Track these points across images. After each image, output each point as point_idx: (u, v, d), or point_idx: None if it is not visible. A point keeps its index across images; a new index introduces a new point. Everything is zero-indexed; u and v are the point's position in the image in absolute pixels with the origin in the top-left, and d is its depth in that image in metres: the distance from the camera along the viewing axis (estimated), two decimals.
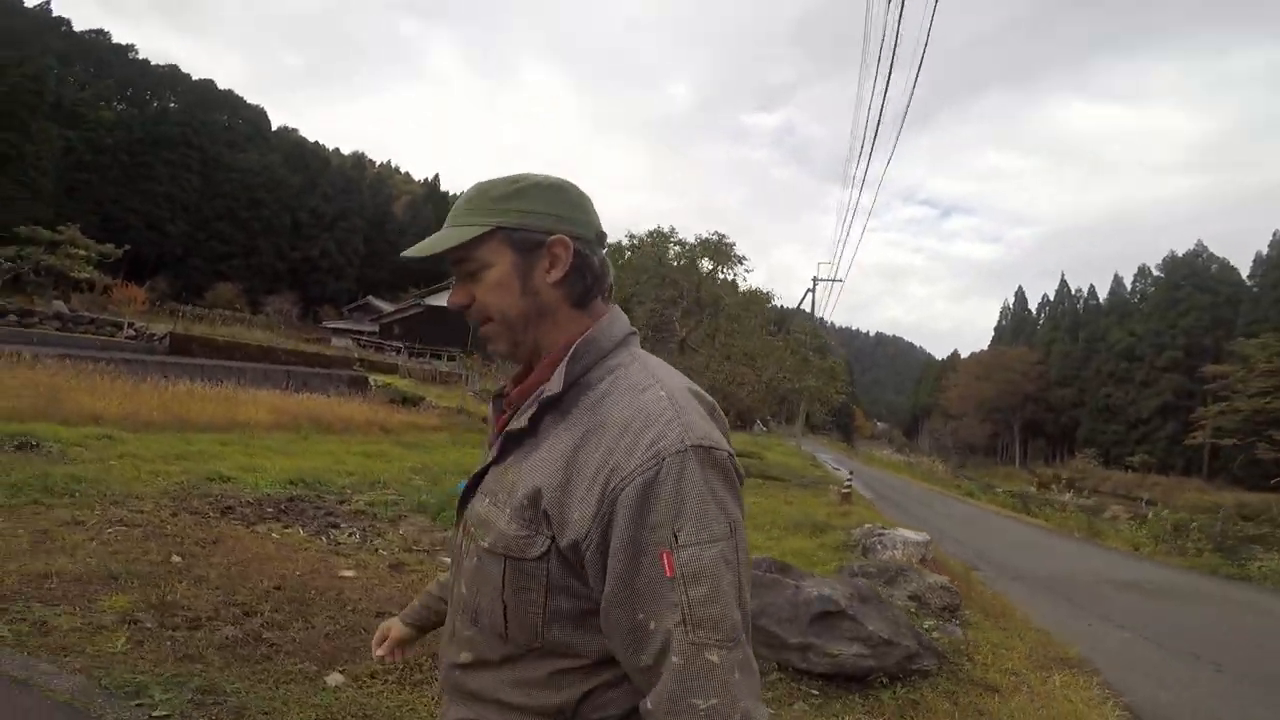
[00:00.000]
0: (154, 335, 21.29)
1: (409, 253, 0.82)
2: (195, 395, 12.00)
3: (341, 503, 6.53)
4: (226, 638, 3.00)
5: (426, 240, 0.81)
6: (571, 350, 0.77)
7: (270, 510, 5.67)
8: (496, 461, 0.81)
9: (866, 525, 8.92)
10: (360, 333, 40.73)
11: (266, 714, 2.46)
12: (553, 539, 0.70)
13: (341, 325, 43.93)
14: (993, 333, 69.35)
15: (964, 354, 78.02)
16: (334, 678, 2.75)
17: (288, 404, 13.62)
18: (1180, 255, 52.31)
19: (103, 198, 45.08)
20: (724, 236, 19.25)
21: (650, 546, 0.65)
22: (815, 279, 30.76)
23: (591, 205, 0.84)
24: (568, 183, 0.83)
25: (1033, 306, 68.03)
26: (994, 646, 4.80)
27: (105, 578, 3.47)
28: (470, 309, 0.82)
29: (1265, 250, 47.89)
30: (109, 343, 19.75)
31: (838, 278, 30.72)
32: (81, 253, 22.90)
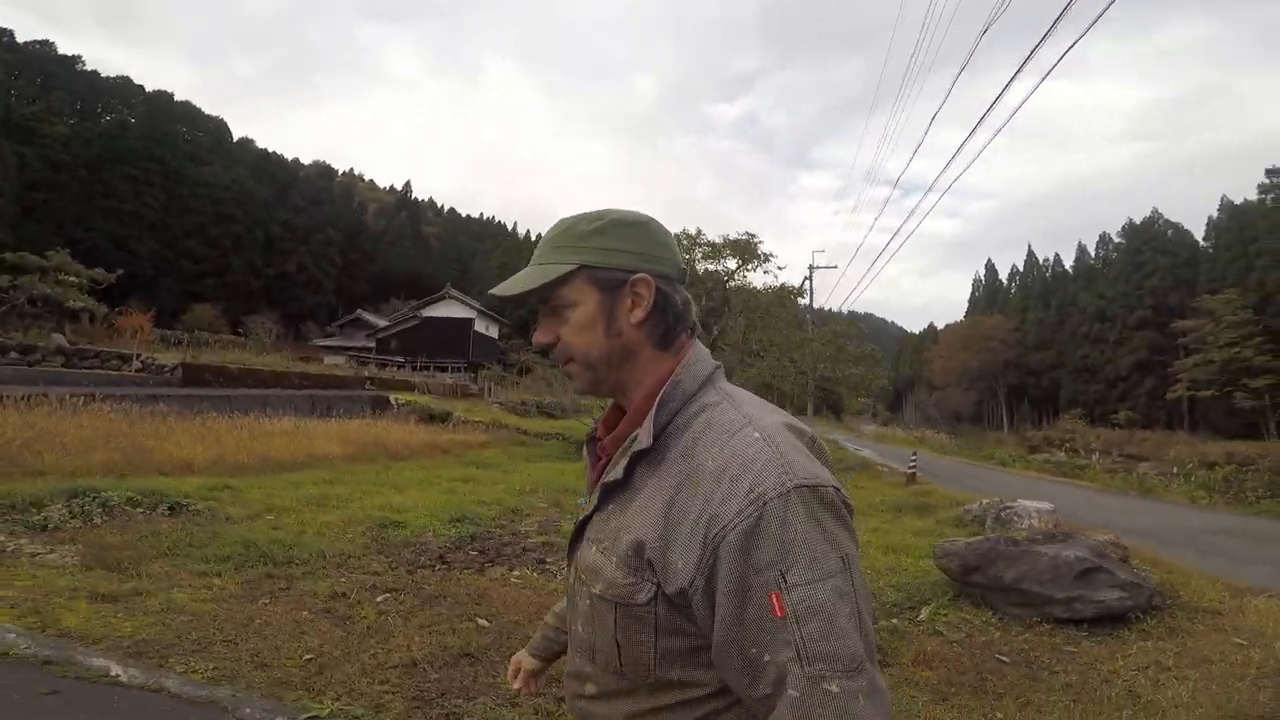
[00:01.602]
0: (164, 367, 20.50)
1: (496, 290, 0.85)
2: (261, 431, 11.75)
3: (515, 535, 6.51)
4: None
5: (513, 278, 0.83)
6: (659, 399, 0.78)
7: (475, 553, 5.64)
8: (599, 509, 0.83)
9: (984, 501, 9.03)
10: (354, 349, 39.86)
11: None
12: (658, 585, 0.72)
13: (333, 343, 42.94)
14: (967, 304, 71.13)
15: (939, 326, 79.84)
16: None
17: (349, 433, 13.50)
18: (1138, 223, 54.38)
19: (63, 218, 43.12)
20: (753, 236, 19.41)
21: (757, 589, 0.65)
22: (811, 267, 31.18)
23: (673, 241, 0.85)
24: (651, 219, 0.84)
25: (1002, 277, 70.01)
26: (1183, 584, 5.27)
27: (458, 656, 3.36)
28: (555, 347, 0.83)
29: (1215, 214, 50.22)
30: (121, 377, 19.00)
31: (833, 265, 31.19)
32: (72, 279, 21.84)
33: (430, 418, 21.76)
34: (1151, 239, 52.16)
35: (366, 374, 28.06)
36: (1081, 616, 4.44)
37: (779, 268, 21.82)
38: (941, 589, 5.07)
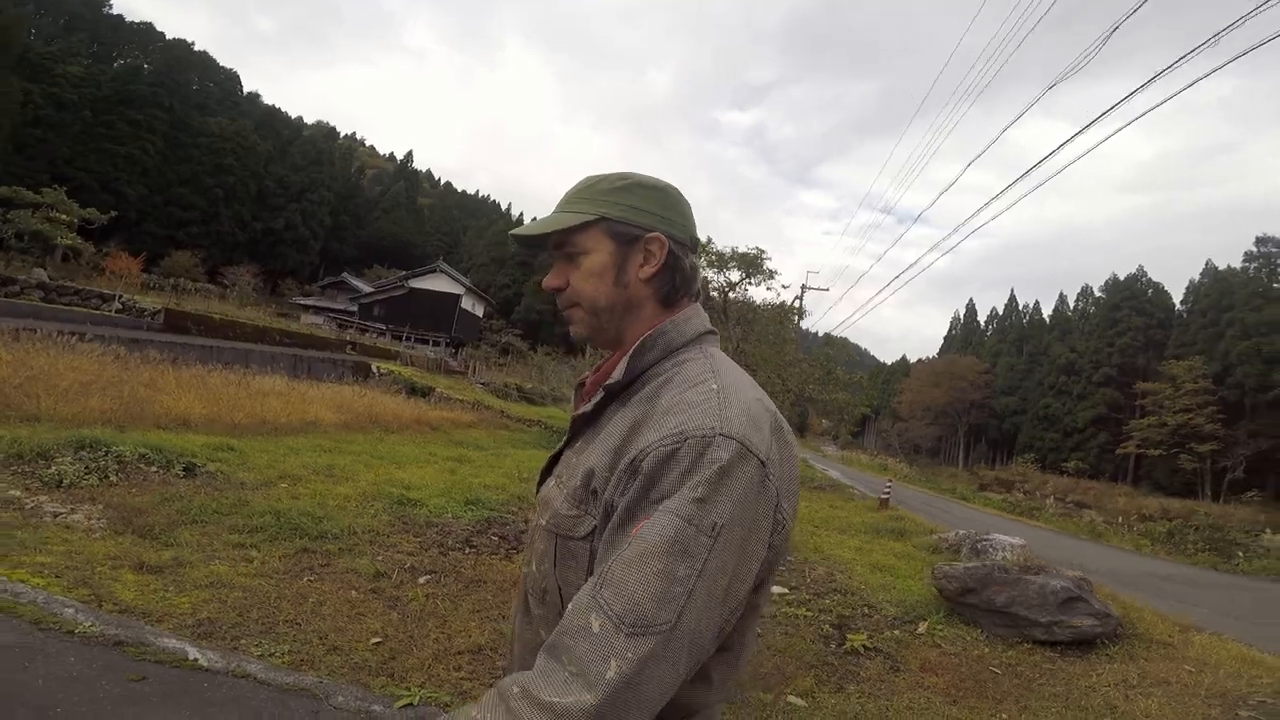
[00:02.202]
0: (145, 310, 20.20)
1: (516, 232, 0.88)
2: (255, 390, 11.69)
3: (528, 523, 6.68)
4: None
5: (534, 222, 0.87)
6: (638, 342, 0.81)
7: (496, 539, 5.76)
8: (567, 445, 0.87)
9: (960, 531, 9.61)
10: (336, 311, 39.37)
11: None
12: (595, 518, 0.73)
13: (313, 302, 42.36)
14: (942, 340, 72.72)
15: (911, 359, 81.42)
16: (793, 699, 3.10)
17: (342, 400, 13.56)
18: (1121, 279, 56.07)
19: (56, 156, 41.97)
20: (762, 251, 19.78)
21: (639, 514, 0.65)
22: (804, 286, 31.76)
23: (690, 211, 0.89)
24: (672, 186, 0.87)
25: (981, 318, 71.71)
26: (1137, 619, 5.86)
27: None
28: (564, 292, 0.86)
29: (1197, 277, 51.87)
30: (101, 317, 18.70)
31: (825, 287, 31.79)
32: (64, 218, 21.34)
33: (413, 390, 21.70)
34: (1131, 296, 53.61)
35: (349, 338, 27.83)
36: (1058, 640, 5.02)
37: (783, 285, 22.24)
38: (933, 606, 5.59)
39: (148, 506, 4.83)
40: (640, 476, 0.66)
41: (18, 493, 4.65)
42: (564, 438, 0.90)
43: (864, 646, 4.55)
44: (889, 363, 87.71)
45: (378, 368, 23.76)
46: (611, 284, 0.84)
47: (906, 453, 61.86)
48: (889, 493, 16.25)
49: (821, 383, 20.42)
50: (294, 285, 50.15)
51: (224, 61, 58.56)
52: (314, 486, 6.51)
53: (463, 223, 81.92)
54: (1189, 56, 5.90)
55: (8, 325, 11.00)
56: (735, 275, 21.09)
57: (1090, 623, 5.11)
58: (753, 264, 20.67)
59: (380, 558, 4.67)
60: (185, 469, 6.05)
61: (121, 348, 11.64)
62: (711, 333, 0.86)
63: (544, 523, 0.79)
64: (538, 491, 0.89)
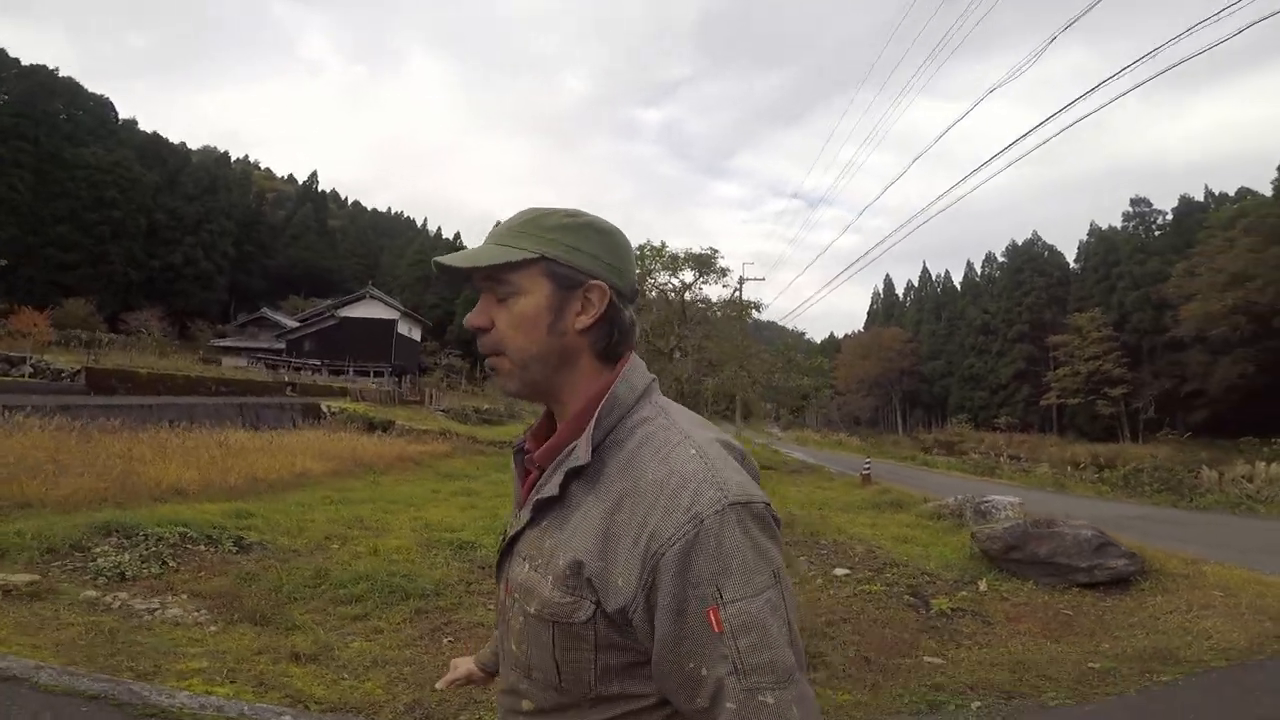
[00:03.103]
0: (62, 372, 18.31)
1: (443, 260, 0.79)
2: (234, 448, 10.83)
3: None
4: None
5: (465, 252, 0.80)
6: (596, 415, 0.75)
7: None
8: (531, 524, 0.80)
9: (958, 496, 9.86)
10: (260, 351, 36.87)
11: None
12: (597, 604, 0.71)
13: (232, 343, 39.49)
14: (866, 315, 75.98)
15: (839, 335, 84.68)
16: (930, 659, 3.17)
17: (323, 447, 12.92)
18: (1020, 244, 60.37)
19: None
20: (715, 251, 19.98)
21: (694, 604, 0.66)
22: (742, 278, 32.40)
23: (633, 258, 0.85)
24: (620, 232, 0.82)
25: (899, 291, 75.41)
26: (1151, 557, 6.28)
27: None
28: (488, 334, 0.79)
29: (1085, 238, 56.75)
30: (15, 384, 16.84)
31: (761, 277, 32.51)
32: None
33: (372, 426, 20.73)
34: (1031, 259, 57.89)
35: (286, 379, 26.20)
36: (1098, 581, 5.54)
37: (740, 281, 22.57)
38: (980, 566, 6.11)
39: (235, 590, 4.61)
40: (668, 571, 0.67)
41: (93, 592, 4.17)
42: (519, 515, 0.85)
43: (950, 609, 4.99)
44: (817, 340, 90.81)
45: (328, 407, 22.52)
46: (545, 331, 0.77)
47: (848, 426, 64.22)
48: (869, 469, 16.92)
49: (784, 371, 20.88)
50: (205, 326, 46.61)
51: (92, 87, 53.30)
52: (364, 544, 6.37)
53: (378, 243, 78.79)
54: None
55: None
56: (689, 276, 21.32)
57: (1123, 563, 5.65)
58: (706, 264, 20.92)
59: (489, 609, 4.45)
60: (236, 544, 5.55)
61: (63, 418, 10.51)
62: (653, 381, 0.83)
63: (532, 610, 0.76)
64: (500, 571, 0.87)
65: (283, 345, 37.60)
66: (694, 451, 0.72)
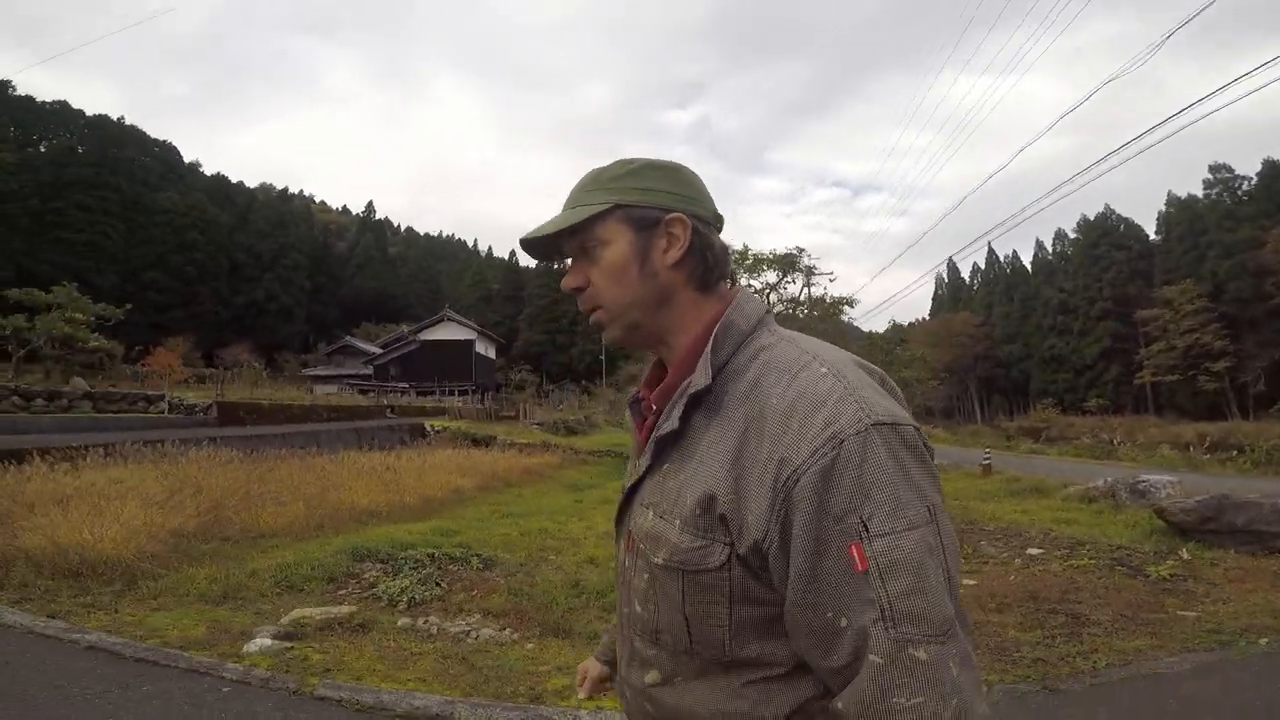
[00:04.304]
0: (195, 406, 19.33)
1: (526, 236, 0.80)
2: (396, 469, 11.21)
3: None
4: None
5: (546, 222, 0.79)
6: (711, 339, 0.72)
7: None
8: (652, 469, 0.76)
9: (1109, 478, 9.81)
10: (349, 377, 38.35)
11: None
12: (731, 545, 0.65)
13: (322, 371, 41.19)
14: (931, 302, 73.89)
15: (901, 324, 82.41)
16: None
17: (463, 463, 13.25)
18: (1091, 218, 57.74)
19: (12, 250, 40.13)
20: (801, 250, 19.86)
21: (835, 539, 0.59)
22: (810, 270, 32.00)
23: (705, 189, 0.81)
24: (682, 165, 0.81)
25: (964, 274, 73.15)
26: None
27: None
28: (584, 292, 0.79)
29: (1164, 209, 53.89)
30: (160, 420, 17.90)
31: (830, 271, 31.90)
32: (80, 316, 20.33)
33: (475, 442, 21.21)
34: (1106, 233, 55.32)
35: (386, 402, 27.13)
36: None
37: (830, 279, 22.31)
38: (1168, 540, 6.27)
39: (516, 606, 4.67)
40: (804, 500, 0.60)
41: (406, 620, 4.28)
42: (638, 463, 0.80)
43: (1168, 575, 5.21)
44: (879, 331, 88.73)
45: (431, 425, 23.19)
46: (637, 276, 0.75)
47: (919, 417, 62.24)
48: (989, 459, 16.44)
49: (887, 365, 20.51)
50: (290, 356, 48.73)
51: (151, 133, 56.15)
52: (574, 555, 6.35)
53: (435, 267, 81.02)
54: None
55: (93, 440, 10.52)
56: (772, 277, 21.20)
57: None
58: (790, 263, 20.78)
59: None
60: (484, 563, 5.71)
61: (229, 450, 11.12)
62: (770, 311, 0.78)
63: (659, 560, 0.70)
64: (619, 526, 0.82)
65: (370, 370, 39.03)
66: (825, 370, 0.65)
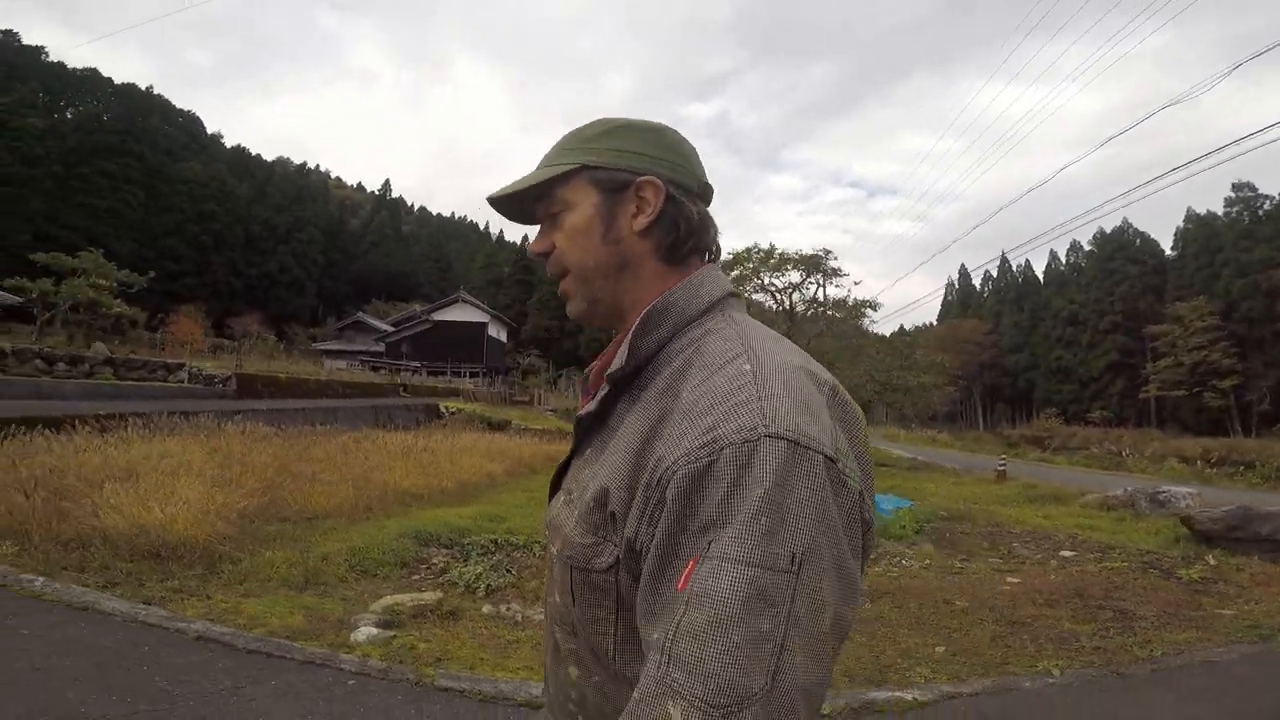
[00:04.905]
0: (214, 377, 19.42)
1: (492, 195, 0.74)
2: (425, 451, 11.31)
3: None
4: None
5: (512, 181, 0.74)
6: (641, 317, 0.66)
7: None
8: (575, 454, 0.71)
9: (1128, 488, 10.11)
10: (359, 353, 38.47)
11: None
12: (618, 546, 0.59)
13: (333, 346, 41.31)
14: (940, 307, 73.81)
15: (907, 328, 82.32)
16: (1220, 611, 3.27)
17: (491, 447, 13.33)
18: (1108, 231, 57.63)
19: (34, 214, 40.25)
20: (829, 252, 19.88)
21: (685, 552, 0.51)
22: (824, 271, 32.00)
23: (694, 153, 0.74)
24: (667, 127, 0.74)
25: (975, 281, 73.07)
26: None
27: None
28: (549, 257, 0.73)
29: (1182, 224, 53.73)
30: (179, 389, 17.96)
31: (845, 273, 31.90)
32: (103, 282, 20.39)
33: (491, 426, 21.37)
34: (1121, 247, 55.24)
35: (400, 381, 27.27)
36: None
37: (855, 282, 22.37)
38: (1194, 546, 6.63)
39: None
40: (670, 502, 0.52)
41: (488, 607, 4.40)
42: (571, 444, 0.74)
43: (1198, 577, 5.60)
44: (886, 335, 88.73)
45: (446, 407, 23.36)
46: (599, 240, 0.69)
47: (923, 422, 62.58)
48: (1004, 466, 16.58)
49: (903, 369, 20.59)
50: (299, 329, 48.93)
51: (176, 103, 56.03)
52: None
53: (447, 247, 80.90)
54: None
55: (122, 409, 10.58)
56: (795, 276, 21.25)
57: None
58: (815, 264, 20.83)
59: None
60: (542, 549, 5.82)
61: (256, 425, 11.22)
62: (734, 295, 0.70)
63: (555, 550, 0.66)
64: (548, 509, 0.75)
65: (381, 348, 39.17)
66: (749, 368, 0.57)
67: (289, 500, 6.80)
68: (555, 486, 0.75)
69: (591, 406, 0.67)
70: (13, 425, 8.00)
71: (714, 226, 0.73)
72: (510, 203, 0.74)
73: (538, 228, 0.76)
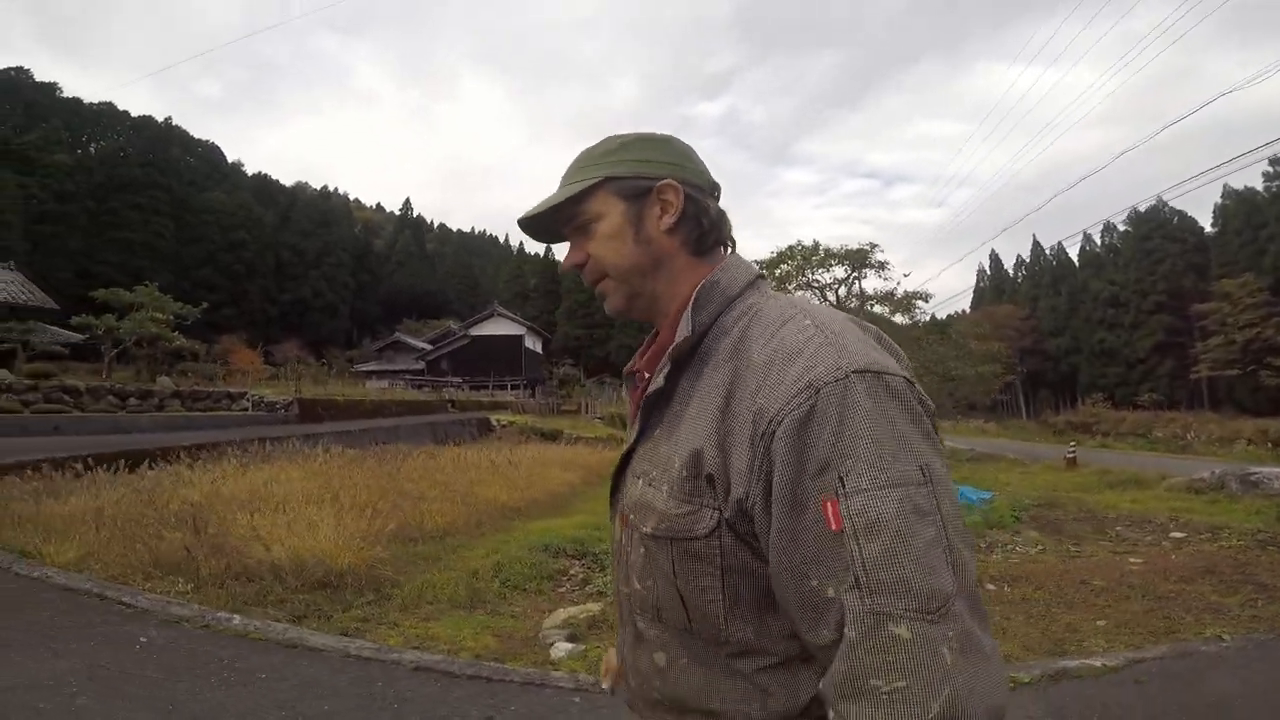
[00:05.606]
0: (275, 404, 19.78)
1: (522, 217, 0.80)
2: (507, 463, 11.37)
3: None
4: None
5: (539, 202, 0.79)
6: (694, 295, 0.72)
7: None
8: (641, 437, 0.75)
9: (1217, 470, 10.08)
10: (400, 372, 38.94)
11: None
12: (720, 510, 0.62)
13: (373, 367, 41.89)
14: (972, 294, 72.55)
15: (940, 316, 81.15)
16: None
17: (557, 459, 13.32)
18: (1142, 210, 56.24)
19: (72, 250, 41.40)
20: (875, 246, 19.74)
21: (813, 495, 0.55)
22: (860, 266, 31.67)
23: (699, 159, 0.81)
24: (673, 136, 0.81)
25: (1008, 266, 71.87)
26: None
27: None
28: (586, 267, 0.79)
29: (1220, 200, 52.36)
30: (245, 417, 18.32)
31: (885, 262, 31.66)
32: (160, 316, 20.89)
33: (544, 436, 21.48)
34: (1159, 226, 53.88)
35: (447, 397, 27.54)
36: None
37: (904, 274, 22.19)
38: None
39: None
40: (782, 453, 0.56)
41: None
42: (630, 431, 0.78)
43: None
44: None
45: (497, 420, 23.51)
46: (632, 243, 0.75)
47: (962, 411, 61.64)
48: (1074, 453, 16.32)
49: (960, 359, 20.33)
50: (336, 353, 49.68)
51: (193, 133, 57.46)
52: None
53: (471, 263, 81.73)
54: None
55: (200, 440, 10.82)
56: (840, 271, 21.11)
57: None
58: (861, 259, 20.67)
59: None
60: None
61: (337, 447, 11.36)
62: (761, 276, 0.76)
63: (648, 530, 0.67)
64: (614, 500, 0.80)
65: (421, 366, 39.63)
66: (809, 322, 0.63)
67: (410, 520, 6.84)
68: (619, 475, 0.79)
69: (660, 383, 0.70)
70: (122, 461, 8.22)
71: (728, 220, 0.80)
72: (537, 224, 0.80)
73: (520, 225, 0.82)
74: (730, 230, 0.80)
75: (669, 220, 0.75)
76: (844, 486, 0.53)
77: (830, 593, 0.54)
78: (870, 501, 0.53)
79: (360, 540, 5.28)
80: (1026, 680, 3.18)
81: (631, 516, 0.71)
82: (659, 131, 0.80)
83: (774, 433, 0.57)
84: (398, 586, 4.66)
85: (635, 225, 0.75)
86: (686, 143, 0.80)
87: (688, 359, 0.70)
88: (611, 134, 0.80)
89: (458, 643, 3.70)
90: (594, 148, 0.79)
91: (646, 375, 0.77)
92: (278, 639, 3.48)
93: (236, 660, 3.15)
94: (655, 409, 0.73)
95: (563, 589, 5.07)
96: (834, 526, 0.53)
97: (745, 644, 0.63)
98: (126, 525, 5.13)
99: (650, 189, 0.75)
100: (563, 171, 0.79)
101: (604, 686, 1.01)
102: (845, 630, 0.53)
